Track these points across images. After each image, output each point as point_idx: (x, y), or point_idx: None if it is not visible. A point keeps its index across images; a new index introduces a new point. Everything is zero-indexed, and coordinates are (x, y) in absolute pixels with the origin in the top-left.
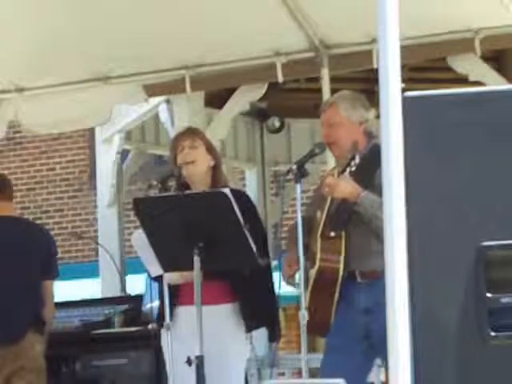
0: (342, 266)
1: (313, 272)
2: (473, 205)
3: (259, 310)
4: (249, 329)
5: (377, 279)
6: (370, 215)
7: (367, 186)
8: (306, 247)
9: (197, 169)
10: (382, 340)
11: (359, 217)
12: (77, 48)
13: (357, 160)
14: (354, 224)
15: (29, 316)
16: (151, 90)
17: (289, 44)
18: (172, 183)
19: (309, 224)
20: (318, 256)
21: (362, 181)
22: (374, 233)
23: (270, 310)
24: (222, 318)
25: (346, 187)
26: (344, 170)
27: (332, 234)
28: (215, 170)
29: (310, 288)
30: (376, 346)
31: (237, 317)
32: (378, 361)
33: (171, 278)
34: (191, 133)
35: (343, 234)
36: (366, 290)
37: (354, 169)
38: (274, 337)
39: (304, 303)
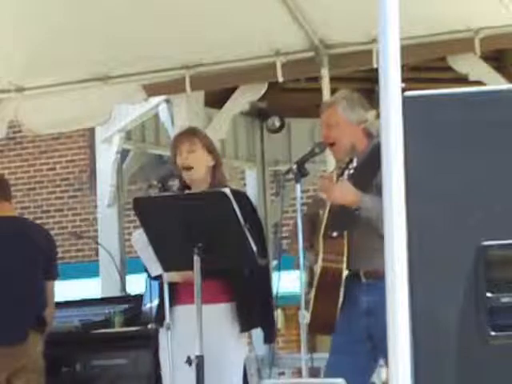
0: (344, 266)
1: (316, 272)
2: (473, 205)
3: (256, 310)
4: (243, 329)
5: (380, 279)
6: (375, 217)
7: (367, 188)
8: (311, 245)
9: (195, 174)
10: (385, 340)
11: (363, 219)
12: (77, 48)
13: (355, 163)
14: (356, 224)
15: (31, 316)
16: (151, 90)
17: (289, 44)
18: (172, 183)
19: (312, 221)
20: (321, 256)
21: (362, 184)
22: (377, 232)
23: (267, 311)
24: (220, 316)
25: (342, 194)
26: (342, 173)
27: (334, 234)
28: (215, 169)
29: (313, 288)
30: (380, 346)
31: (234, 316)
32: (382, 361)
33: (170, 275)
34: (189, 134)
35: (345, 233)
36: (370, 290)
37: (352, 172)
38: (270, 338)
39: (304, 303)
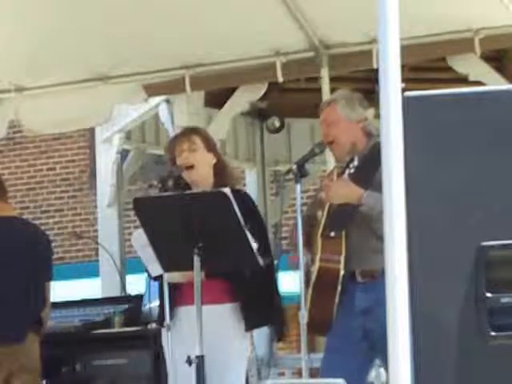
0: (342, 266)
1: (313, 272)
2: (473, 205)
3: (260, 310)
4: (248, 327)
5: (376, 279)
6: (377, 214)
7: (368, 186)
8: (308, 245)
9: (197, 174)
10: (382, 340)
11: (362, 216)
12: (77, 48)
13: (355, 162)
14: (355, 224)
15: (30, 316)
16: (151, 90)
17: (289, 44)
18: (172, 182)
19: (309, 223)
20: (319, 256)
21: (363, 181)
22: (375, 232)
23: (273, 309)
24: (223, 317)
25: (341, 192)
26: (343, 172)
27: (332, 234)
28: (217, 166)
29: (310, 287)
30: (375, 346)
31: (237, 316)
32: (378, 361)
33: (173, 276)
34: (189, 133)
35: (343, 233)
36: (366, 290)
37: (352, 171)
38: (279, 335)
39: (304, 303)
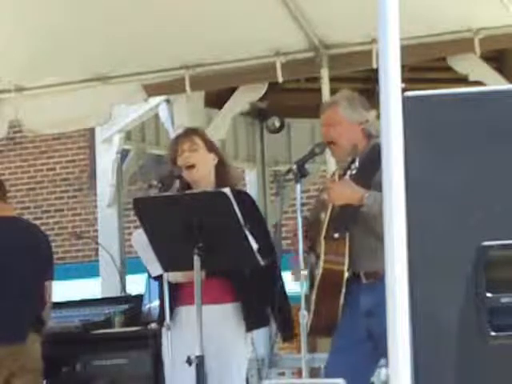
0: (346, 268)
1: (317, 274)
2: (473, 205)
3: (261, 310)
4: (249, 328)
5: (381, 279)
6: (374, 212)
7: (369, 187)
8: (311, 249)
9: (198, 173)
10: (386, 341)
11: (364, 217)
12: (77, 48)
13: (357, 163)
14: (358, 225)
15: (31, 316)
16: (151, 90)
17: (289, 44)
18: (172, 182)
19: (315, 228)
20: (322, 258)
21: (364, 182)
22: (377, 233)
23: (275, 309)
24: (223, 317)
25: (343, 193)
26: (344, 174)
27: (336, 235)
28: (219, 166)
29: (315, 290)
30: (380, 347)
31: (238, 316)
32: (383, 362)
33: (174, 275)
34: (190, 133)
35: (347, 235)
36: (371, 291)
37: (354, 172)
38: (285, 336)
39: (304, 303)
